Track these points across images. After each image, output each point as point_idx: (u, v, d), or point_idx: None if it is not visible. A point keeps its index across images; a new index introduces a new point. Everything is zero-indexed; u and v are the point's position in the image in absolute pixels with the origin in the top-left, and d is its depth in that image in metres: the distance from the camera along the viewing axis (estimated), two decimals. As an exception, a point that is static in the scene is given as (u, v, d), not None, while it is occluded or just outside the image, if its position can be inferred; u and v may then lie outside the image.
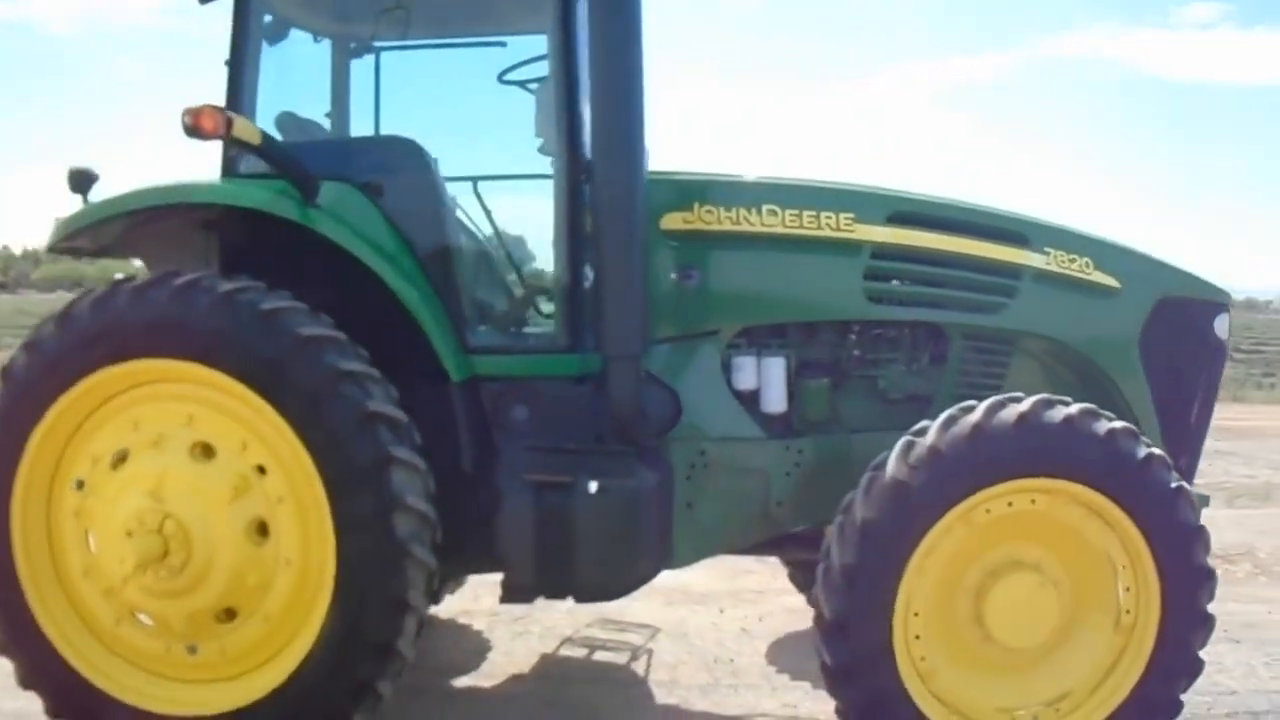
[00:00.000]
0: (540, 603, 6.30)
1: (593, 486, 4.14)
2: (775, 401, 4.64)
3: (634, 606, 5.96)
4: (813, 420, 4.70)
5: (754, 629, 6.29)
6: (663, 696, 5.21)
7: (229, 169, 4.54)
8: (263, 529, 4.02)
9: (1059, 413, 3.95)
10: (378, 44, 5.20)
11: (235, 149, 4.39)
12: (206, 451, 4.06)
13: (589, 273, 4.40)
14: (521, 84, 4.92)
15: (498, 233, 4.89)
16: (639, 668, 5.61)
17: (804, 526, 4.98)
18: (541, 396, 4.42)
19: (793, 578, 6.23)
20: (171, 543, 3.94)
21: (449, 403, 4.29)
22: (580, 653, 5.85)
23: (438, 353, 4.21)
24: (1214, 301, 4.84)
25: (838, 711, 4.12)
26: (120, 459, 4.10)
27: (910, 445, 3.97)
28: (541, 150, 4.65)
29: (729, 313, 4.65)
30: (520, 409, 4.41)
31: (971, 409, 3.99)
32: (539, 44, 4.94)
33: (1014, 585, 4.00)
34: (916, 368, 4.78)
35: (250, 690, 4.08)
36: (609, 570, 4.28)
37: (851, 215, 4.58)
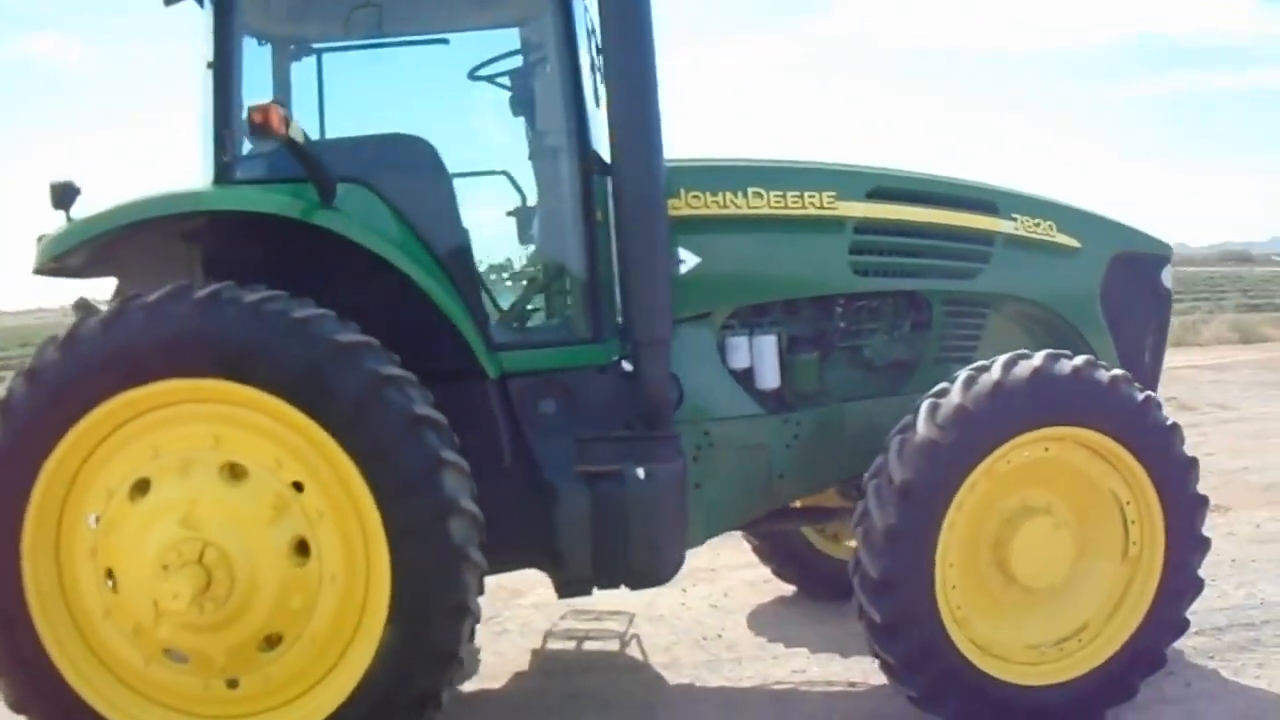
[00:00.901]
0: (504, 598, 6.37)
1: (640, 473, 4.20)
2: (770, 378, 4.79)
3: (598, 594, 6.03)
4: (805, 393, 4.87)
5: (724, 604, 6.44)
6: (673, 678, 5.29)
7: (224, 175, 4.31)
8: (303, 548, 3.88)
9: (1067, 365, 4.25)
10: (317, 45, 5.04)
11: (264, 146, 4.23)
12: (238, 473, 3.88)
13: (603, 263, 4.44)
14: (490, 79, 4.91)
15: (508, 228, 4.85)
16: (635, 653, 5.68)
17: (804, 496, 5.18)
18: (567, 388, 4.42)
19: (759, 550, 6.41)
20: (215, 572, 3.74)
21: (478, 401, 4.24)
22: (569, 645, 5.85)
23: (472, 350, 4.15)
24: (1160, 254, 5.28)
25: (885, 666, 4.32)
26: (140, 489, 3.86)
27: (936, 406, 4.19)
28: (533, 144, 4.66)
29: (721, 295, 4.76)
30: (548, 402, 4.40)
31: (988, 368, 4.24)
32: (489, 39, 4.95)
33: (1032, 530, 4.28)
34: (899, 335, 5.03)
35: (305, 716, 3.93)
36: (659, 554, 4.34)
37: (834, 193, 4.77)
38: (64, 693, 3.91)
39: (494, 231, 4.85)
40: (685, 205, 4.64)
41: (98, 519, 3.89)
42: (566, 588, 4.43)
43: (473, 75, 4.90)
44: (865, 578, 4.21)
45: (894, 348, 5.01)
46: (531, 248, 4.95)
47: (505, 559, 4.29)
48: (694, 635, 5.89)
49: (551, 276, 4.75)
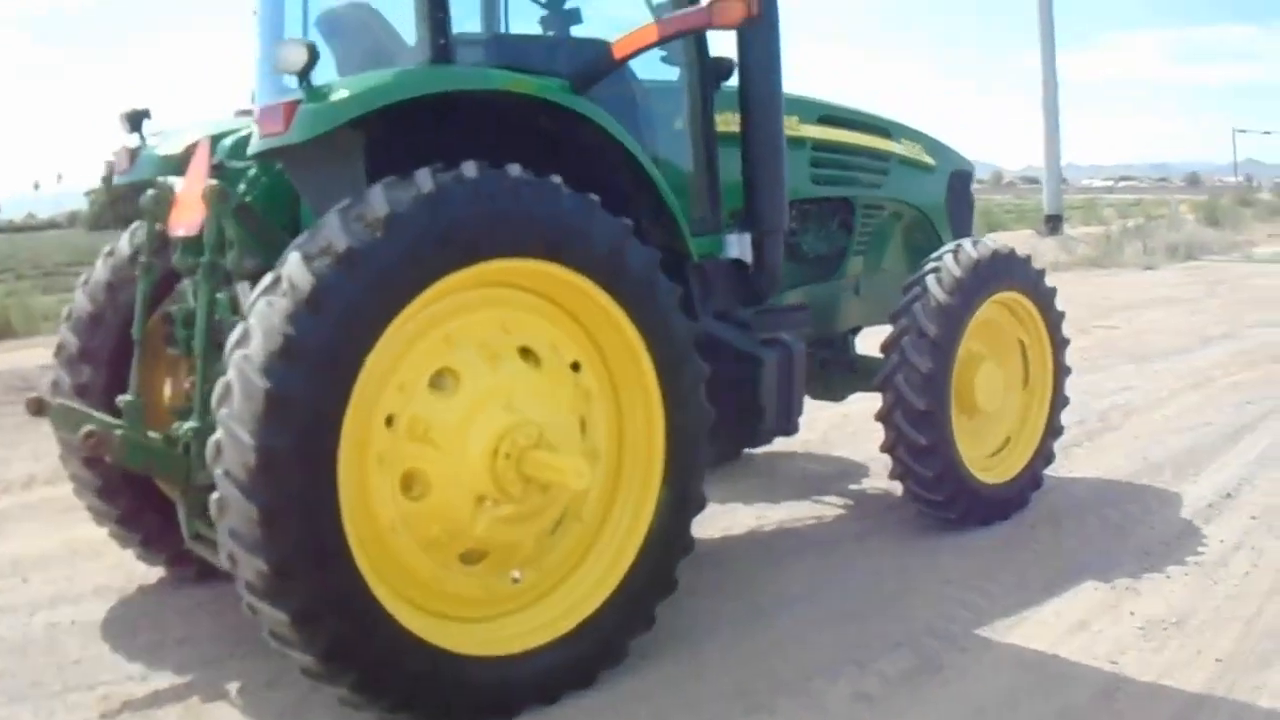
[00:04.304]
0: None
1: (800, 344, 5.06)
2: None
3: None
4: None
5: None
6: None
7: (443, 57, 4.15)
8: (581, 427, 4.08)
9: (1006, 250, 5.78)
10: None
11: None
12: (531, 357, 3.97)
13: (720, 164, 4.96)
14: None
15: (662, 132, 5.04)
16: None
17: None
18: (709, 272, 4.88)
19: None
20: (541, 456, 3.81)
21: (684, 282, 4.49)
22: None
23: (682, 236, 4.48)
24: (970, 171, 7.00)
25: (915, 486, 5.52)
26: (439, 381, 3.76)
27: (940, 278, 5.48)
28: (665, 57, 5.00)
29: (731, 199, 5.19)
30: (707, 284, 4.85)
31: (966, 247, 5.62)
32: None
33: (985, 370, 5.76)
34: (829, 233, 6.15)
35: (581, 598, 4.05)
36: (802, 407, 5.14)
37: (796, 118, 5.76)
38: (399, 634, 3.58)
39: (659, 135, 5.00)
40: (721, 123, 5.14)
41: (390, 419, 3.66)
42: (759, 439, 5.11)
43: None
44: (910, 409, 5.37)
45: (826, 243, 6.12)
46: (677, 149, 5.05)
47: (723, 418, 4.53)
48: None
49: (693, 176, 5.01)
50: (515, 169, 3.78)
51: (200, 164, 4.42)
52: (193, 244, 4.29)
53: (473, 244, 3.68)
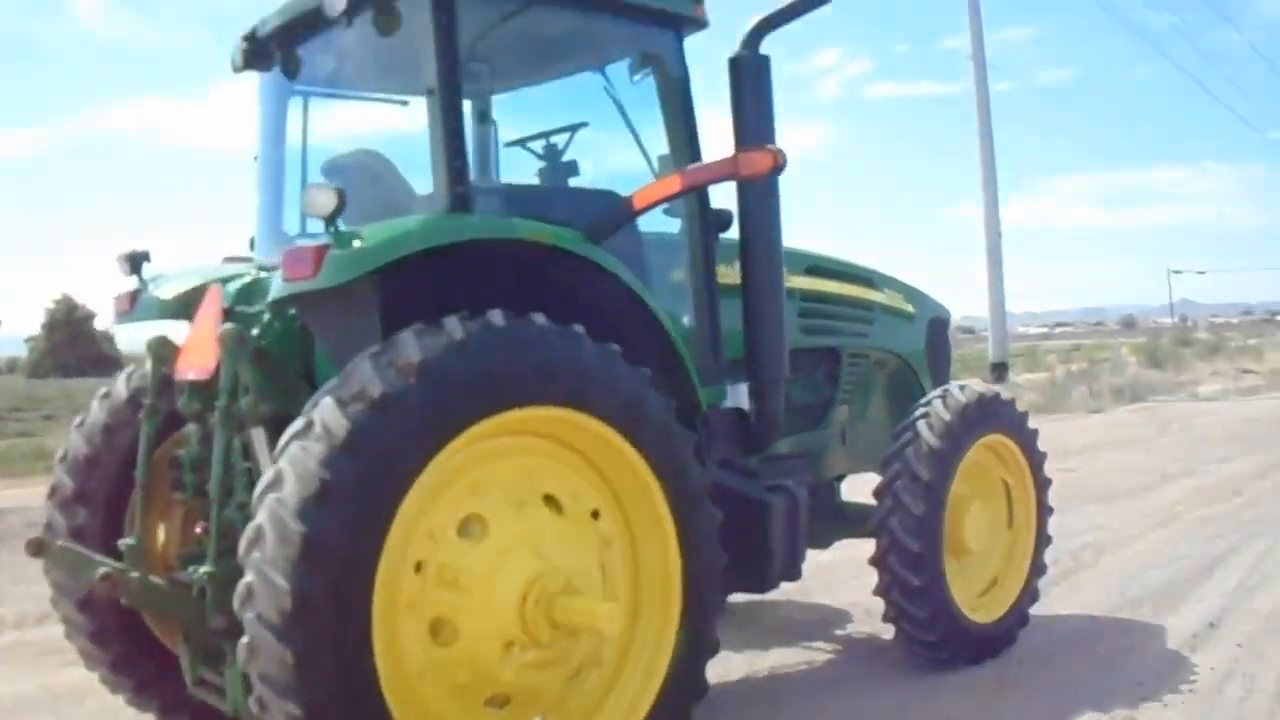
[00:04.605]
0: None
1: (803, 490, 5.21)
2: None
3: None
4: None
5: None
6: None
7: (461, 206, 4.27)
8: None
9: (991, 391, 6.04)
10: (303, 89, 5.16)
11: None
12: (554, 504, 4.09)
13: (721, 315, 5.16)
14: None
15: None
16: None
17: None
18: (712, 420, 5.05)
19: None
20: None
21: (692, 430, 4.55)
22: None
23: (692, 384, 4.62)
24: (946, 317, 7.30)
25: (906, 625, 5.65)
26: (468, 528, 3.87)
27: (928, 414, 5.71)
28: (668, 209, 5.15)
29: (732, 348, 5.40)
30: (710, 432, 5.00)
31: (954, 392, 5.87)
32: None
33: (974, 511, 5.94)
34: (816, 382, 6.39)
35: None
36: (804, 554, 5.28)
37: (785, 269, 5.99)
38: None
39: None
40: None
41: (420, 565, 3.74)
42: (766, 585, 5.12)
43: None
44: (905, 553, 5.53)
45: (813, 392, 6.34)
46: (680, 300, 5.20)
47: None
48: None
49: (696, 326, 5.17)
50: (540, 318, 3.93)
51: (212, 308, 4.49)
52: (201, 388, 4.37)
53: (502, 391, 3.78)
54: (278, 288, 4.01)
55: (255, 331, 4.54)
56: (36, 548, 4.54)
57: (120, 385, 5.12)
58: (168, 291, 5.00)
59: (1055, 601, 7.02)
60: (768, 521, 5.01)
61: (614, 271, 4.40)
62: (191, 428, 4.58)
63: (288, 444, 3.52)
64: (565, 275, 4.40)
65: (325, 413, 3.49)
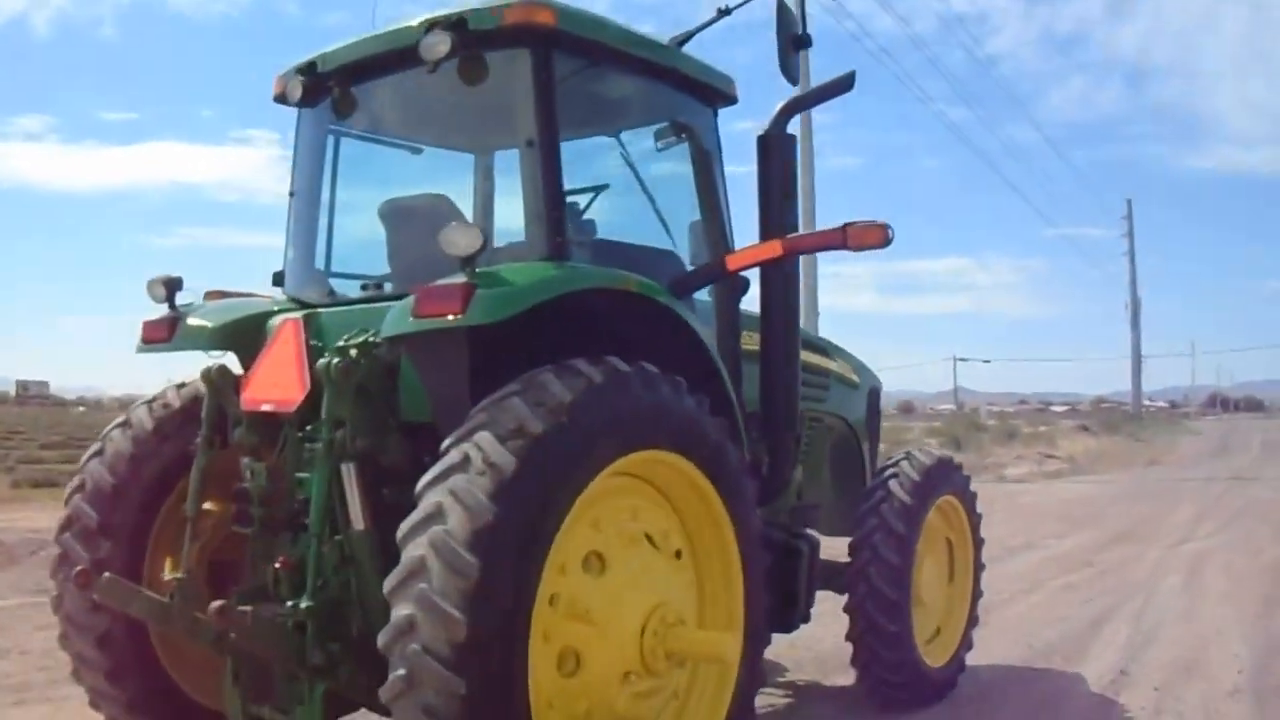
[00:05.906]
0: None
1: (818, 541, 5.69)
2: None
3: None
4: None
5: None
6: None
7: (560, 254, 4.47)
8: None
9: (947, 458, 6.66)
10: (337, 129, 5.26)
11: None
12: (654, 542, 4.35)
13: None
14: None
15: None
16: None
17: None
18: None
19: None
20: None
21: None
22: None
23: (741, 436, 4.85)
24: (880, 387, 7.91)
25: (877, 670, 6.13)
26: (592, 563, 4.07)
27: (898, 474, 6.27)
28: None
29: None
30: None
31: (916, 455, 6.45)
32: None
33: (927, 565, 6.52)
34: None
35: None
36: (813, 600, 5.72)
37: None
38: None
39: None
40: None
41: (554, 597, 3.86)
42: (791, 626, 5.52)
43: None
44: (882, 598, 6.02)
45: None
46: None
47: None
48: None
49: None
50: (650, 367, 4.18)
51: (294, 341, 4.56)
52: (267, 421, 4.46)
53: (632, 433, 4.03)
54: (403, 324, 4.01)
55: None
56: (85, 580, 4.30)
57: (142, 414, 5.05)
58: (212, 321, 5.03)
59: (970, 653, 7.64)
60: (799, 567, 5.45)
61: (693, 327, 4.66)
62: (249, 461, 4.55)
63: (447, 478, 3.60)
64: (631, 326, 4.55)
65: (488, 448, 3.61)
